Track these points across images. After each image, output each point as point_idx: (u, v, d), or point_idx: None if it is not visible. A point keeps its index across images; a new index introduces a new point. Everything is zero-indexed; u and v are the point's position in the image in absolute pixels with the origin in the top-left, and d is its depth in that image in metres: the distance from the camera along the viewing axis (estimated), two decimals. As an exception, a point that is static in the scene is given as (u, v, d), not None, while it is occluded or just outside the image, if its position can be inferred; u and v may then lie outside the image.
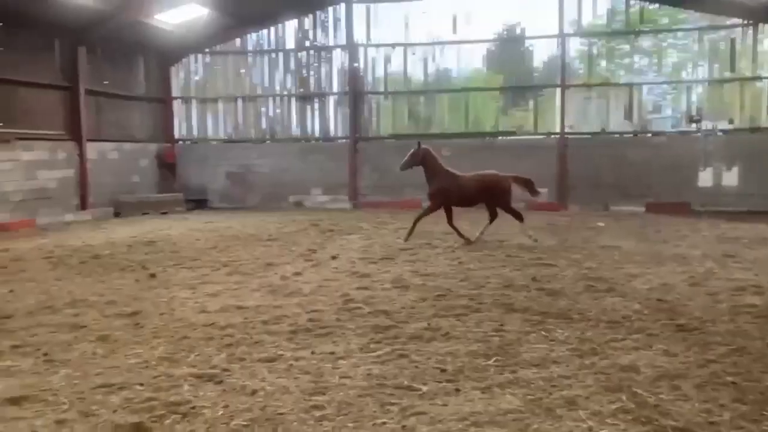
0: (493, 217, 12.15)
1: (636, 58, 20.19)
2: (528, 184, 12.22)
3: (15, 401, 4.43)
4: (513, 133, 20.60)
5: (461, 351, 5.42)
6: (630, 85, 19.68)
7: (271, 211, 19.48)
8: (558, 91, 19.96)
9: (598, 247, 11.53)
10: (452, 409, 4.20)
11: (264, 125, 22.10)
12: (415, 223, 12.22)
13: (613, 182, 18.90)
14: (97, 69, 18.43)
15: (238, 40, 21.70)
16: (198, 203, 20.96)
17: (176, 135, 22.16)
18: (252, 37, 21.62)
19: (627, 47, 20.21)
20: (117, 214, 18.43)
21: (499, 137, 20.51)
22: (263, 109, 22.04)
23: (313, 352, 5.43)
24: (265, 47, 21.57)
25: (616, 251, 10.99)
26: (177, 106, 22.18)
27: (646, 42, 20.08)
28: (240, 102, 21.98)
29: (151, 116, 21.29)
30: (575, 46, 20.40)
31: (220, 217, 18.05)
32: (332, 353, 5.40)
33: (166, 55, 21.29)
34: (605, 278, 8.54)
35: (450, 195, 12.06)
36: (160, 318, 6.74)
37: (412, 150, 12.15)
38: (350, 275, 9.00)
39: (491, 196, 12.05)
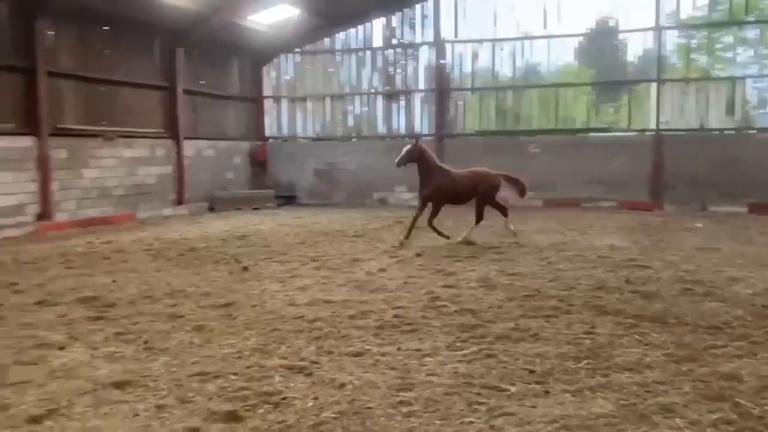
0: (479, 218, 11.79)
1: (740, 50, 19.09)
2: (518, 185, 12.01)
3: (118, 385, 4.68)
4: (605, 130, 19.98)
5: (550, 353, 5.31)
6: (732, 79, 18.64)
7: (357, 208, 19.74)
8: (653, 85, 19.19)
9: (695, 248, 11.01)
10: (541, 411, 4.12)
11: (350, 123, 22.39)
12: (432, 228, 11.66)
13: (713, 181, 17.95)
14: (194, 69, 19.22)
15: (327, 40, 22.07)
16: (287, 199, 21.51)
17: (267, 133, 22.81)
18: (340, 36, 21.94)
19: (730, 39, 19.14)
20: (211, 209, 19.16)
21: (591, 134, 19.93)
22: (350, 108, 22.33)
23: (399, 348, 5.46)
24: (353, 46, 21.85)
25: (716, 253, 10.46)
26: (268, 105, 22.81)
27: (750, 33, 18.95)
28: (328, 100, 22.36)
29: (244, 115, 22.01)
30: (672, 38, 19.53)
31: (308, 213, 18.44)
32: (418, 350, 5.41)
33: (258, 56, 21.93)
34: (704, 281, 8.14)
35: (445, 192, 11.71)
36: (252, 310, 6.95)
37: (408, 146, 11.83)
38: (435, 273, 8.98)
39: (481, 191, 11.73)
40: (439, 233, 11.58)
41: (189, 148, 19.02)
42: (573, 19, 19.80)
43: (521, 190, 12.08)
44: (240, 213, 18.68)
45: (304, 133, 22.86)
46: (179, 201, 18.61)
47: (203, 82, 19.72)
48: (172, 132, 18.48)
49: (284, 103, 22.82)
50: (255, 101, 22.40)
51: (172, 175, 18.46)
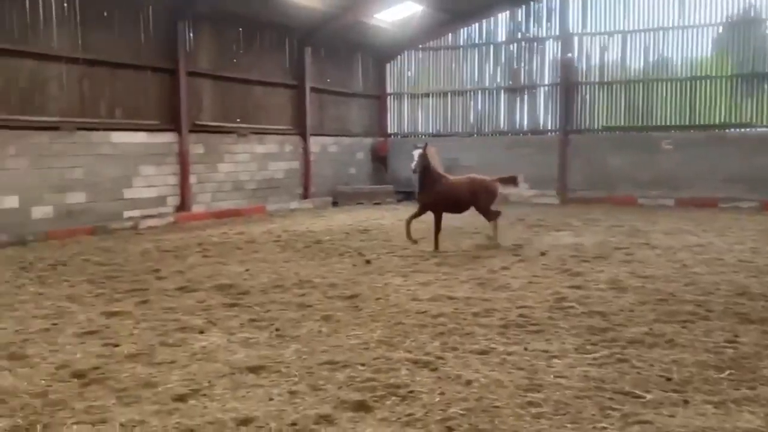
0: (494, 215, 11.25)
1: None
2: (510, 181, 11.83)
3: (254, 370, 4.92)
4: (747, 125, 18.58)
5: (688, 360, 5.02)
6: None
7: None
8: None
9: None
10: (680, 421, 3.91)
11: (472, 119, 22.22)
12: (436, 237, 11.00)
13: None
14: (320, 68, 19.81)
15: (449, 36, 22.01)
16: (406, 195, 21.63)
17: (389, 130, 23.11)
18: (463, 32, 21.81)
19: None
20: (335, 203, 19.70)
21: (730, 129, 18.61)
22: (471, 103, 22.15)
23: (525, 348, 5.36)
24: (476, 41, 21.64)
25: None
26: (390, 102, 23.11)
27: None
28: (449, 97, 22.31)
29: (367, 112, 22.43)
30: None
31: (428, 208, 18.46)
32: (546, 351, 5.29)
33: (382, 53, 22.25)
34: None
35: (446, 200, 11.03)
36: (377, 303, 7.08)
37: (419, 150, 10.88)
38: (560, 273, 8.75)
39: (482, 200, 11.13)
40: (408, 235, 10.98)
41: (315, 144, 19.65)
42: (710, 7, 18.54)
43: (514, 182, 11.93)
44: (362, 207, 19.05)
45: (425, 129, 22.94)
46: (305, 195, 19.29)
47: (329, 80, 20.29)
48: (300, 128, 19.17)
49: (406, 100, 23.02)
50: (378, 98, 22.76)
51: (299, 170, 19.16)
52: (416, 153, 10.81)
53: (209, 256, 10.45)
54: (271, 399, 4.33)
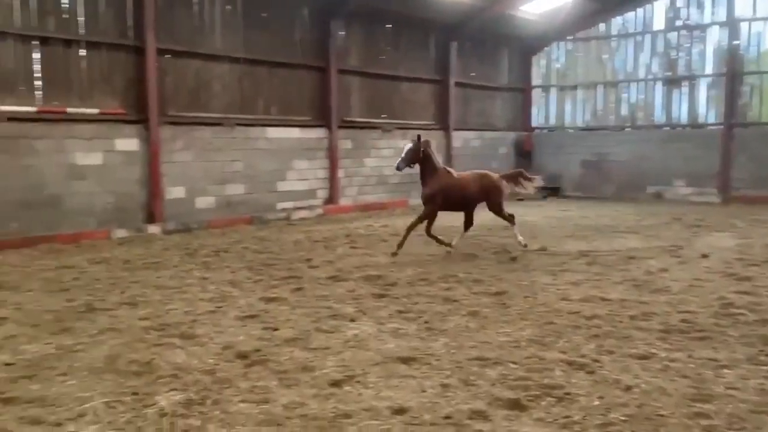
0: (508, 218, 10.43)
1: None
2: (519, 177, 10.77)
3: (405, 360, 4.98)
4: None
5: None
6: None
7: (627, 202, 18.61)
8: None
9: None
10: None
11: (624, 112, 21.15)
12: (407, 234, 10.05)
13: None
14: (465, 62, 19.71)
15: (601, 25, 21.07)
16: (551, 191, 21.03)
17: (533, 123, 22.57)
18: (617, 21, 20.78)
19: None
20: (476, 199, 19.50)
21: None
22: (624, 95, 21.08)
23: (690, 356, 5.02)
24: (631, 30, 20.54)
25: None
26: (536, 95, 22.54)
27: None
28: (600, 88, 21.38)
29: (511, 105, 22.04)
30: None
31: (574, 205, 17.88)
32: (713, 360, 4.92)
33: (528, 45, 21.74)
34: None
35: (451, 197, 10.08)
36: (525, 300, 6.94)
37: (410, 144, 10.03)
38: (725, 276, 8.12)
39: (492, 197, 10.28)
40: (439, 241, 10.10)
41: (457, 138, 19.62)
42: None
43: (526, 179, 10.75)
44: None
45: (573, 122, 22.15)
46: (447, 190, 19.28)
47: (473, 74, 20.14)
48: (443, 123, 19.21)
49: (553, 93, 22.34)
50: (523, 91, 22.27)
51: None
52: (407, 147, 9.96)
53: (356, 247, 10.75)
54: (423, 391, 4.36)
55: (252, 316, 6.39)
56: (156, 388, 4.45)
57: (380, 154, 17.37)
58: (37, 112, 11.26)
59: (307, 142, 15.55)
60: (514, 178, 10.72)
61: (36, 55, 11.33)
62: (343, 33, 16.25)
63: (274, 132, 14.85)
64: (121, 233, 11.96)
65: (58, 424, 3.90)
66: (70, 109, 11.63)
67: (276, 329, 5.90)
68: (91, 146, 11.87)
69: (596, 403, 4.10)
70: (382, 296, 7.19)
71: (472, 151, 20.35)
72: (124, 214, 12.35)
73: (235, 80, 14.21)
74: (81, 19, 11.82)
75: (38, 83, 11.41)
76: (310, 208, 15.45)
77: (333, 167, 16.02)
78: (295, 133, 15.31)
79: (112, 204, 12.20)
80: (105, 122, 12.08)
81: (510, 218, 10.36)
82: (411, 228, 10.02)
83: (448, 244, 10.06)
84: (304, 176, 15.51)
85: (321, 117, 15.84)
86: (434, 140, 18.62)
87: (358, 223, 14.01)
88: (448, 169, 10.45)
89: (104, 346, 5.44)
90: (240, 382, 4.58)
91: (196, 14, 13.45)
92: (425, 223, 10.12)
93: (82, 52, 11.91)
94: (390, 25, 17.41)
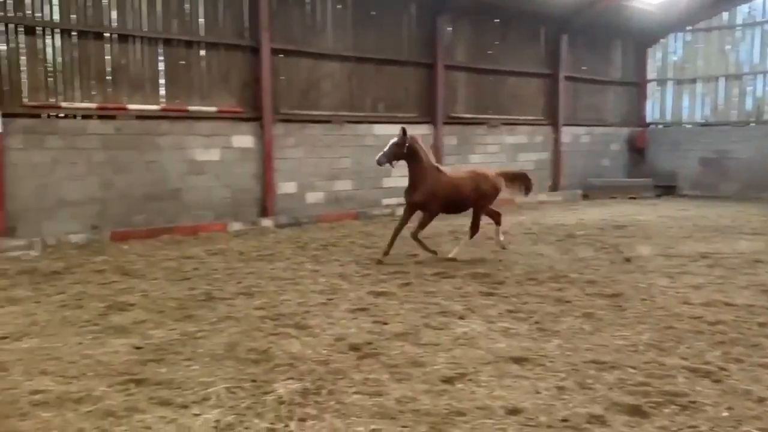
0: (476, 228, 9.59)
1: None
2: (522, 180, 9.71)
3: (517, 361, 4.90)
4: None
5: None
6: None
7: (750, 202, 17.44)
8: None
9: None
10: None
11: (748, 106, 19.82)
12: (417, 242, 9.26)
13: None
14: (576, 55, 19.13)
15: (725, 14, 19.83)
16: (666, 189, 20.06)
17: (648, 119, 21.58)
18: (742, 9, 19.49)
19: None
20: (585, 197, 18.95)
21: None
22: (749, 89, 19.76)
23: (832, 369, 4.65)
24: (758, 19, 19.21)
25: None
26: (651, 89, 21.55)
27: None
28: (722, 81, 20.14)
29: (624, 100, 21.19)
30: None
31: (691, 205, 16.97)
32: None
33: (643, 37, 20.79)
34: None
35: (443, 199, 9.19)
36: (642, 303, 6.66)
37: (394, 139, 9.10)
38: None
39: (484, 197, 9.37)
40: (425, 247, 9.25)
41: (566, 134, 19.09)
42: None
43: (527, 186, 9.71)
44: (615, 202, 18.07)
45: (691, 118, 21.01)
46: (554, 187, 18.85)
47: (584, 67, 19.51)
48: (552, 118, 18.75)
49: (669, 86, 21.27)
50: (637, 85, 21.34)
51: (548, 161, 18.78)
52: (391, 141, 9.09)
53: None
54: (538, 392, 4.28)
55: (362, 309, 6.49)
56: (273, 376, 4.61)
57: (486, 151, 17.17)
58: (162, 111, 11.97)
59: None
60: (513, 180, 9.72)
61: (160, 56, 12.05)
62: (450, 29, 16.18)
63: (380, 129, 14.98)
64: (236, 226, 12.50)
65: (185, 407, 4.11)
66: (190, 108, 12.28)
67: (386, 323, 5.96)
68: (209, 143, 12.47)
69: (725, 414, 3.87)
70: (490, 294, 7.11)
71: (582, 147, 19.75)
72: (240, 207, 12.91)
73: (344, 78, 14.49)
74: (201, 20, 12.43)
75: (162, 83, 12.12)
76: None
77: (438, 163, 15.96)
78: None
79: (229, 198, 12.78)
80: (222, 120, 12.66)
81: (497, 217, 9.71)
82: (415, 237, 9.19)
83: (434, 252, 9.23)
84: (407, 173, 15.53)
85: (427, 113, 15.86)
86: (542, 136, 18.46)
87: (462, 220, 13.88)
88: (440, 167, 9.45)
89: (223, 333, 5.70)
90: (353, 373, 4.66)
91: (308, 14, 13.82)
92: (417, 223, 9.38)
93: (202, 53, 12.53)
94: (498, 20, 17.16)
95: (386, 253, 9.17)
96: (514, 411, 3.97)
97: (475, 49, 16.89)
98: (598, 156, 20.25)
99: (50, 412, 4.02)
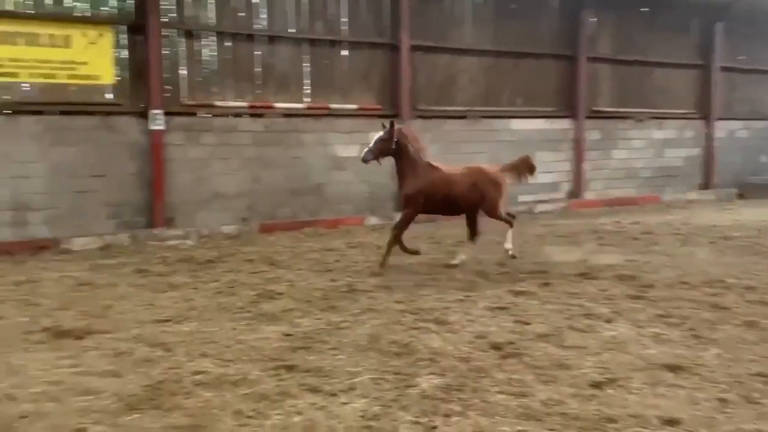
0: (474, 232, 8.72)
1: None
2: (522, 166, 8.84)
3: (671, 368, 4.63)
4: None
5: None
6: None
7: None
8: None
9: None
10: None
11: None
12: (394, 244, 8.40)
13: None
14: (731, 44, 17.75)
15: None
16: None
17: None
18: None
19: None
20: (740, 196, 17.56)
21: None
22: None
23: None
24: None
25: None
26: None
27: None
28: None
29: (789, 91, 19.41)
30: None
31: None
32: None
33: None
34: None
35: (435, 198, 8.30)
36: (814, 314, 6.08)
37: (380, 132, 8.24)
38: None
39: (488, 197, 8.41)
40: (405, 249, 8.46)
41: (720, 129, 17.81)
42: None
43: (530, 168, 8.84)
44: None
45: None
46: (706, 185, 17.65)
47: (742, 57, 18.06)
48: (704, 112, 17.57)
49: (844, 75, 19.20)
50: (804, 75, 19.48)
51: (699, 158, 17.62)
52: (376, 136, 8.33)
53: (605, 245, 10.27)
54: (696, 403, 4.02)
55: (501, 308, 6.40)
56: (416, 370, 4.66)
57: (631, 146, 16.40)
58: (306, 108, 12.46)
59: (552, 134, 15.20)
60: (516, 168, 8.86)
61: (305, 56, 12.54)
62: (594, 20, 15.58)
63: (517, 123, 14.75)
64: (373, 220, 12.78)
65: (333, 395, 4.25)
66: (332, 105, 12.68)
67: (527, 323, 5.85)
68: (349, 139, 12.81)
69: None
70: (638, 298, 6.77)
71: (738, 142, 18.33)
72: (376, 202, 13.17)
73: (481, 73, 14.37)
74: (344, 20, 12.80)
75: (306, 81, 12.62)
76: (551, 201, 15.10)
77: (578, 159, 15.48)
78: (539, 124, 15.06)
79: (367, 193, 13.07)
80: (362, 117, 12.95)
81: (509, 220, 8.67)
82: (393, 242, 8.45)
83: (416, 252, 8.63)
84: (548, 168, 15.09)
85: (567, 107, 15.39)
86: (693, 130, 17.32)
87: (604, 218, 13.36)
88: (433, 163, 8.53)
89: (366, 325, 5.84)
90: (495, 372, 4.61)
91: (447, 9, 13.84)
92: (396, 222, 8.77)
93: (344, 52, 12.90)
94: (645, 9, 16.27)
95: (407, 250, 8.53)
96: (670, 421, 3.75)
97: (620, 40, 16.14)
98: (756, 152, 18.70)
99: (210, 392, 4.30)
